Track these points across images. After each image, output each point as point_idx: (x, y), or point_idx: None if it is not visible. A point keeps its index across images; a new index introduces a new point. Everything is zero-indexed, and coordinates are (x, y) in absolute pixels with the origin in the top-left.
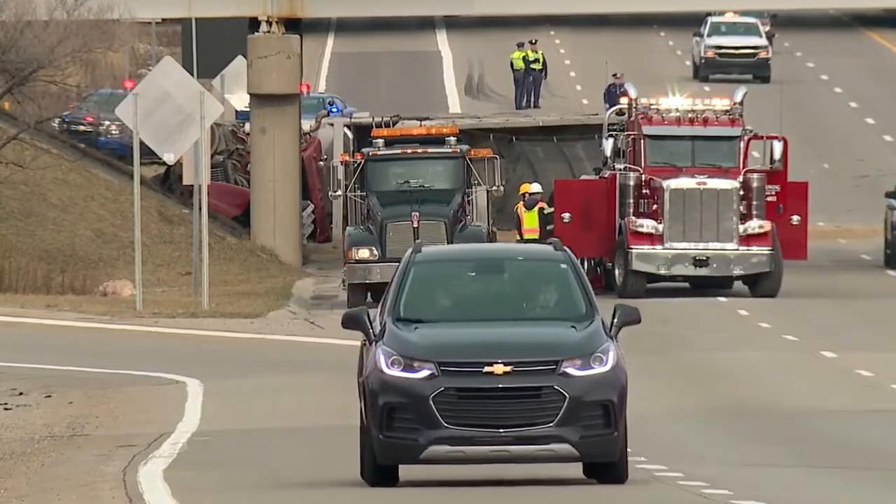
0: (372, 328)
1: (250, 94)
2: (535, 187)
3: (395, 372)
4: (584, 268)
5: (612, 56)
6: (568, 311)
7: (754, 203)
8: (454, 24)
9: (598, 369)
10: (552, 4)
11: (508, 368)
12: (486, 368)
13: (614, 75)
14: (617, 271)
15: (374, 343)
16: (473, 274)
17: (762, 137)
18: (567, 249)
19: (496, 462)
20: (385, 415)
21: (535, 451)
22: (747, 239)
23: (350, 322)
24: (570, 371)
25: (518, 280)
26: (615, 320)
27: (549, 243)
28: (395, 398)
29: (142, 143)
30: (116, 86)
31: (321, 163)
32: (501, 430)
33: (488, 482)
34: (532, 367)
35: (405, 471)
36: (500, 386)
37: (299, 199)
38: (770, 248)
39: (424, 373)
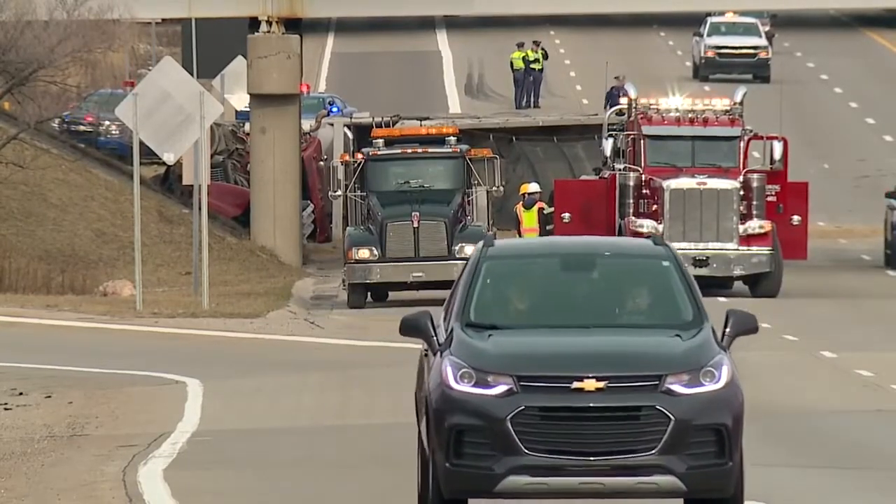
0: (436, 335)
1: (250, 94)
2: (534, 187)
3: (466, 387)
4: None
5: (612, 56)
6: (672, 316)
7: (754, 203)
8: (454, 24)
9: (709, 387)
10: (552, 4)
11: (602, 384)
12: (575, 384)
13: (616, 78)
14: None
15: (438, 353)
16: (558, 271)
17: (762, 137)
18: (669, 244)
19: (586, 496)
20: (453, 439)
21: (634, 483)
22: (747, 239)
23: (409, 328)
24: (676, 388)
25: (611, 279)
26: (728, 329)
27: (648, 236)
28: (466, 419)
29: (142, 143)
30: (116, 86)
31: (321, 163)
32: (593, 459)
33: None
34: (630, 382)
35: None
36: (592, 405)
37: (299, 199)
38: (770, 248)
39: (501, 388)
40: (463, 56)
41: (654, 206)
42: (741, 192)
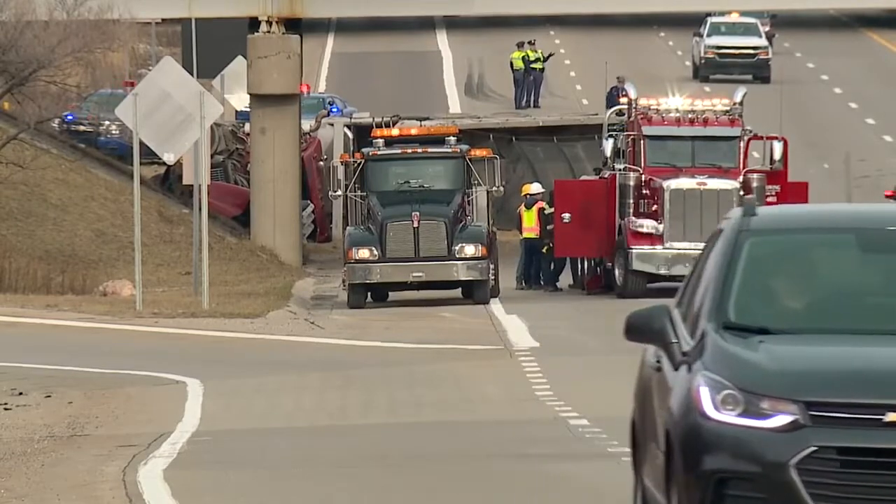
0: (677, 340)
1: (250, 94)
2: (535, 187)
3: (730, 417)
4: (584, 268)
5: (612, 56)
6: None
7: None
8: (454, 24)
9: None
10: (552, 4)
11: None
12: (890, 416)
13: (618, 78)
14: (617, 271)
15: (684, 366)
16: (853, 253)
17: (762, 137)
18: None
19: None
20: (712, 490)
21: None
22: None
23: (640, 331)
24: None
25: None
26: None
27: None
28: (731, 463)
29: (142, 143)
30: (116, 86)
31: (321, 163)
32: None
33: None
34: None
35: None
36: None
37: (299, 199)
38: None
39: (781, 420)
40: (463, 56)
41: (654, 206)
42: (741, 193)
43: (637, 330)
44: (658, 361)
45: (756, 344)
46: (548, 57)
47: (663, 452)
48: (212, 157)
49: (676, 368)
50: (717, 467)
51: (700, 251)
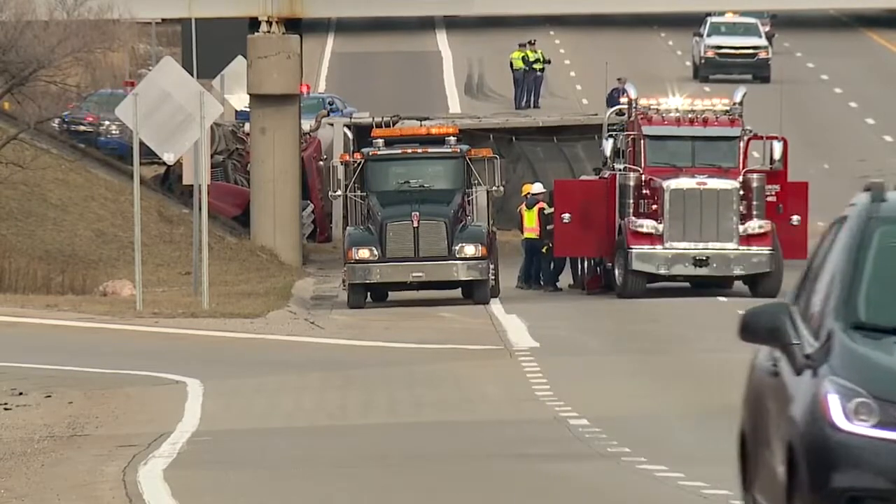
0: (799, 341)
1: (250, 94)
2: (537, 187)
3: (863, 428)
4: (584, 268)
5: (612, 56)
6: None
7: (754, 203)
8: (454, 24)
9: None
10: (552, 4)
11: None
12: None
13: (619, 79)
14: (617, 271)
15: (806, 370)
16: None
17: (762, 137)
18: None
19: None
20: None
21: None
22: (747, 239)
23: (758, 332)
24: None
25: None
26: None
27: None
28: (865, 479)
29: (142, 143)
30: (116, 86)
31: (321, 163)
32: None
33: None
34: None
35: None
36: None
37: (299, 199)
38: (770, 248)
39: None
40: (463, 56)
41: (654, 206)
42: (741, 192)
43: (753, 329)
44: (775, 365)
45: (891, 346)
46: (546, 62)
47: (784, 467)
48: (212, 157)
49: (799, 373)
50: (849, 485)
51: (700, 250)
